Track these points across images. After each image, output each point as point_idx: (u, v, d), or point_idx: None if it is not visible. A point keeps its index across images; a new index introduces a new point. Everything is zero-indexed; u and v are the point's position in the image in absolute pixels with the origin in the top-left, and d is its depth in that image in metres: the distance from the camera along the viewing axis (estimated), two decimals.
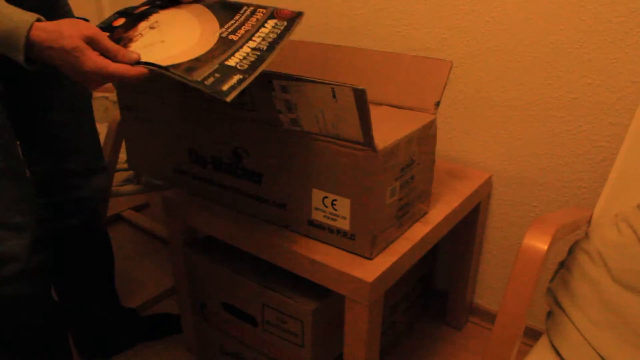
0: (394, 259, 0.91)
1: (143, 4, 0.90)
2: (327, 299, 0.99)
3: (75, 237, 1.16)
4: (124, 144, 1.26)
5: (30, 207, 0.91)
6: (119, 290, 1.57)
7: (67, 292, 1.22)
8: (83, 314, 1.25)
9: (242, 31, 0.82)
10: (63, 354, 1.07)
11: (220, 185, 1.07)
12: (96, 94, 1.75)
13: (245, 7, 0.87)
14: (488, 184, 1.26)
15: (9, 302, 0.92)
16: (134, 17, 0.85)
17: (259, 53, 0.78)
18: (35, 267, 0.92)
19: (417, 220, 1.03)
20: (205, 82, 0.72)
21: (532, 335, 1.34)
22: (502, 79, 1.20)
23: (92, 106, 1.13)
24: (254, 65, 0.75)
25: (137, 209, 2.06)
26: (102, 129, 1.51)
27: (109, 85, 1.18)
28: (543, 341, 0.90)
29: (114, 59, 0.72)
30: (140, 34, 0.81)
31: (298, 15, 0.85)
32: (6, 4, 0.68)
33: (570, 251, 0.95)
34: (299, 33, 1.51)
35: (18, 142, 0.94)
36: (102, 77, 0.71)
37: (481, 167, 1.31)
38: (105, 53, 0.72)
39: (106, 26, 0.82)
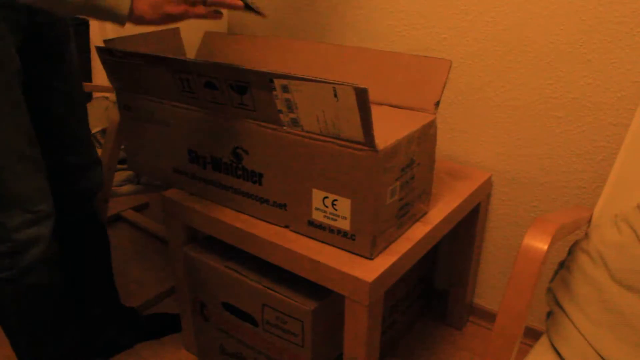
0: (394, 259, 0.91)
1: None
2: (327, 299, 0.99)
3: (76, 232, 1.16)
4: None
5: (50, 196, 0.96)
6: (119, 291, 1.57)
7: (68, 288, 1.22)
8: (83, 312, 1.25)
9: None
10: (71, 342, 1.10)
11: (220, 185, 1.07)
12: (96, 94, 1.75)
13: None
14: (488, 184, 1.25)
15: (31, 289, 0.97)
16: None
17: None
18: (54, 253, 0.97)
19: (417, 220, 1.03)
20: None
21: (532, 335, 1.34)
22: (502, 79, 1.20)
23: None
24: None
25: (137, 209, 2.06)
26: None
27: (109, 85, 1.18)
28: (543, 341, 0.90)
29: None
30: None
31: None
32: None
33: (570, 251, 0.95)
34: (299, 33, 1.51)
35: None
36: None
37: (481, 167, 1.31)
38: None
39: None
